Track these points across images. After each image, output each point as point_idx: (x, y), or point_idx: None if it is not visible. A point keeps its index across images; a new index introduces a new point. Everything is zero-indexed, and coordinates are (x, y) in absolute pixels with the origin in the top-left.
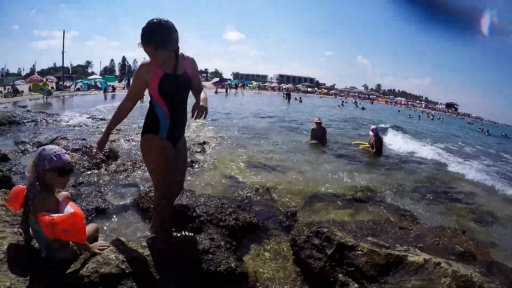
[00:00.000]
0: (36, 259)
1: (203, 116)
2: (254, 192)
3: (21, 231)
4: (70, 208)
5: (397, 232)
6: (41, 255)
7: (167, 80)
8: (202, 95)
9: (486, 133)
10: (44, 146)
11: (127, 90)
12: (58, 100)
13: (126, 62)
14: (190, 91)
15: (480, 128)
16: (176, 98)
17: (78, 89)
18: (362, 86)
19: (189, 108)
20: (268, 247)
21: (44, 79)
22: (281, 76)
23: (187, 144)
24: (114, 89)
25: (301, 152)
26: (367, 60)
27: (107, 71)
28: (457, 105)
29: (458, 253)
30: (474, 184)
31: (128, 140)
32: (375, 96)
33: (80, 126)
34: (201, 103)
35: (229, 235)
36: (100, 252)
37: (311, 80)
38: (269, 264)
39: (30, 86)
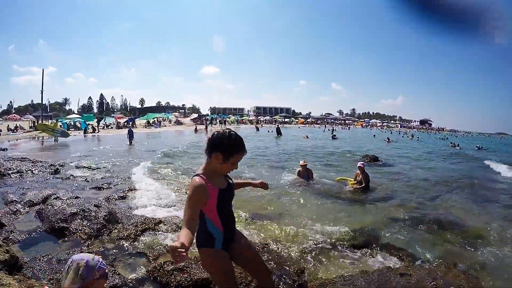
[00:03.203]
0: None
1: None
2: (261, 250)
3: None
4: None
5: (399, 281)
6: None
7: (223, 195)
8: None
9: (457, 147)
10: (83, 257)
11: (104, 131)
12: (38, 143)
13: (104, 100)
14: None
15: (451, 143)
16: (227, 208)
17: None
18: (337, 112)
19: None
20: None
21: (55, 121)
22: (258, 108)
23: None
24: (94, 129)
25: (291, 194)
26: (340, 86)
27: (85, 109)
28: (431, 121)
29: None
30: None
31: (123, 197)
32: (351, 121)
33: (68, 178)
34: (259, 181)
35: None
36: None
37: (287, 110)
38: None
39: (36, 125)
